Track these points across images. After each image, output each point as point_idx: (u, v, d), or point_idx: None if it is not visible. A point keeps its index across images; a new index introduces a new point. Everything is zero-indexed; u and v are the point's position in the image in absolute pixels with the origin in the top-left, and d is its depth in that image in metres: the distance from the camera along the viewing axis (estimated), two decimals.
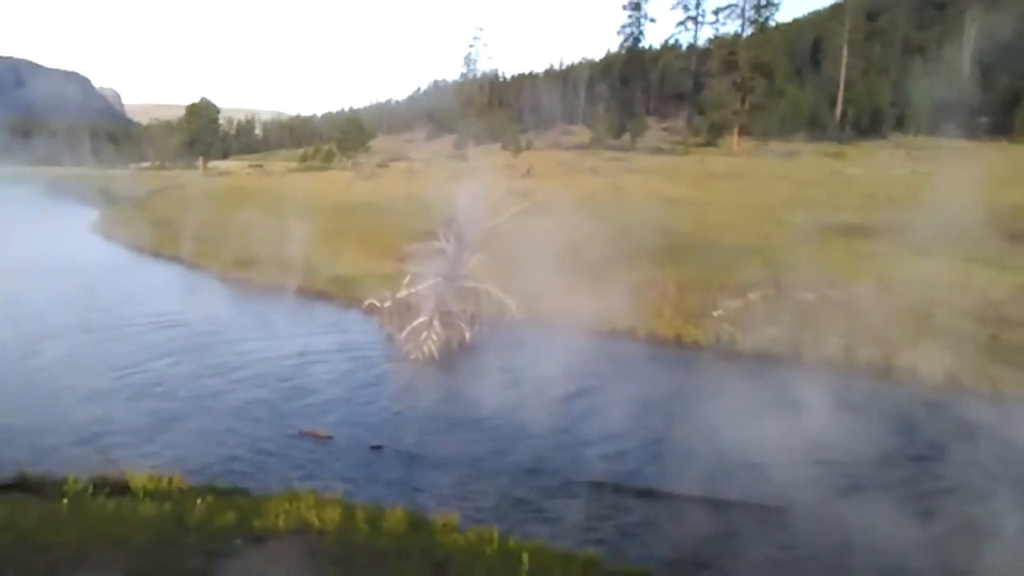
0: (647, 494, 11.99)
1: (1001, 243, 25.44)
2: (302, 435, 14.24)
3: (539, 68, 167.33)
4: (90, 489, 10.42)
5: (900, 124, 74.65)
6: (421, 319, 19.81)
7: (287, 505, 10.04)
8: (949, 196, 36.35)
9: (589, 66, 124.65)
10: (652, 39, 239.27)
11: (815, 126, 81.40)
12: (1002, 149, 67.53)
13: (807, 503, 11.37)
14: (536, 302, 21.22)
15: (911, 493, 11.90)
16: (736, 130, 75.31)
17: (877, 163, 56.97)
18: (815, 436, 13.28)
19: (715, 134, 76.47)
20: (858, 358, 18.13)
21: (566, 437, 14.28)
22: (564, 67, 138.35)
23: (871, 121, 74.62)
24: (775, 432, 12.96)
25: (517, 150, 76.27)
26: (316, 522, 9.61)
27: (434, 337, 19.42)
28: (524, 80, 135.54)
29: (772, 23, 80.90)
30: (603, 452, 13.56)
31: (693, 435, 13.63)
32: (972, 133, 73.75)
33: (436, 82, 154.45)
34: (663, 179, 49.08)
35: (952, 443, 13.26)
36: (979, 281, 22.04)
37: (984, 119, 78.25)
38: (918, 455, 13.30)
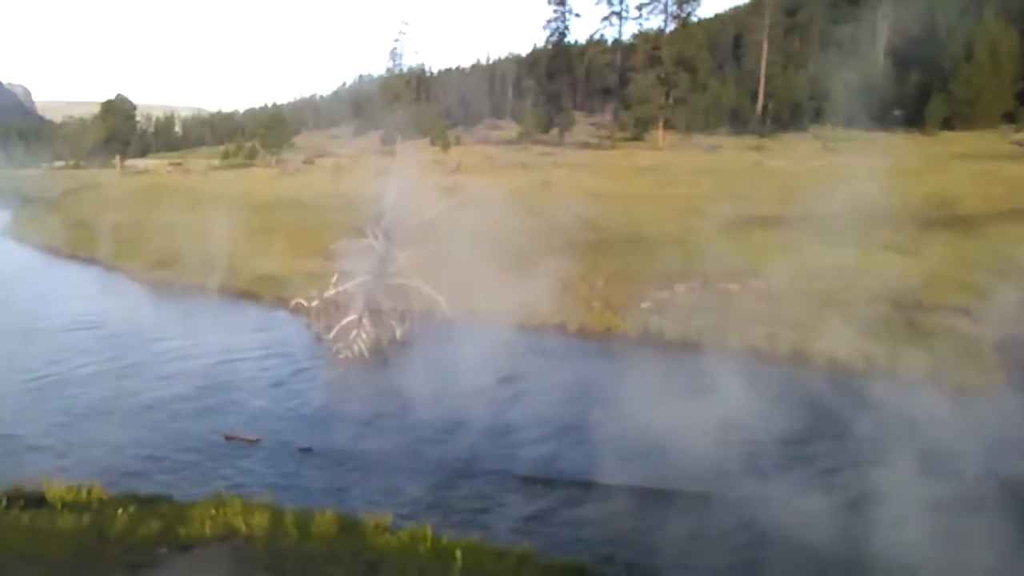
0: (579, 486, 12.08)
1: (915, 231, 26.37)
2: (227, 439, 13.91)
3: (466, 63, 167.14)
4: (3, 502, 9.99)
5: (818, 117, 76.76)
6: (350, 318, 19.56)
7: (213, 511, 9.79)
8: (865, 187, 37.51)
9: (516, 61, 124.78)
10: (577, 34, 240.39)
11: (737, 120, 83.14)
12: (915, 140, 69.99)
13: (730, 486, 11.67)
14: (467, 298, 21.16)
15: (820, 469, 12.37)
16: (661, 124, 76.40)
17: (796, 155, 58.48)
18: (738, 421, 13.66)
19: (641, 128, 77.45)
20: (780, 345, 18.58)
21: (497, 432, 14.28)
22: (491, 62, 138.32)
23: (791, 114, 76.55)
24: (700, 418, 13.21)
25: (445, 145, 75.97)
26: (244, 528, 9.40)
27: (364, 336, 19.21)
28: (451, 75, 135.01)
29: (694, 18, 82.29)
30: (534, 446, 13.61)
31: (621, 425, 13.76)
32: (886, 125, 76.28)
33: (362, 77, 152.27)
34: (591, 173, 49.47)
35: (862, 423, 13.66)
36: (894, 268, 22.79)
37: (898, 112, 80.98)
38: (830, 434, 13.73)
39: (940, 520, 10.05)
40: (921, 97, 76.11)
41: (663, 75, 75.41)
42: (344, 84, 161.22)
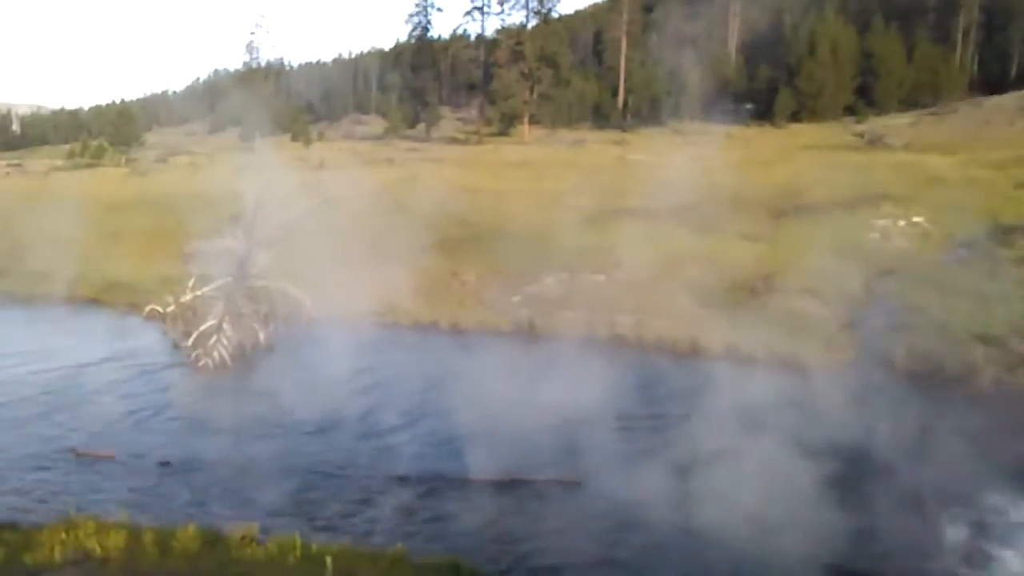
0: (448, 482, 11.99)
1: (767, 220, 27.64)
2: (78, 456, 13.02)
3: (327, 57, 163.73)
4: None
5: (676, 111, 79.47)
6: (209, 323, 18.71)
7: (64, 535, 9.13)
8: (721, 178, 39.19)
9: (379, 55, 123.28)
10: (441, 29, 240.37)
11: (600, 115, 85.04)
12: (766, 133, 73.50)
13: (592, 472, 11.91)
14: (335, 298, 20.65)
15: (667, 446, 12.79)
16: (527, 119, 77.21)
17: (657, 149, 60.26)
18: (600, 407, 14.08)
19: (507, 123, 78.02)
20: (646, 333, 19.06)
21: (365, 434, 14.02)
22: (353, 56, 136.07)
23: (650, 109, 78.92)
24: (565, 407, 13.67)
25: (308, 141, 74.14)
26: (98, 550, 8.82)
27: (224, 341, 18.40)
28: (312, 69, 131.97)
29: (555, 14, 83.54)
30: (403, 445, 13.44)
31: (488, 420, 13.74)
32: (739, 119, 79.82)
33: (217, 71, 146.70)
34: (459, 169, 49.39)
35: (712, 402, 14.10)
36: (749, 256, 23.80)
37: (749, 105, 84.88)
38: (683, 415, 14.17)
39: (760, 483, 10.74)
40: (770, 91, 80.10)
41: (527, 70, 76.20)
42: (198, 79, 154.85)
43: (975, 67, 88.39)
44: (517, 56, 75.36)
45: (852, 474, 11.62)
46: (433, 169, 48.94)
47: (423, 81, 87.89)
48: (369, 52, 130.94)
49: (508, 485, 11.77)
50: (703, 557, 9.80)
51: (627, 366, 16.81)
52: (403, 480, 12.07)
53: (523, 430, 13.21)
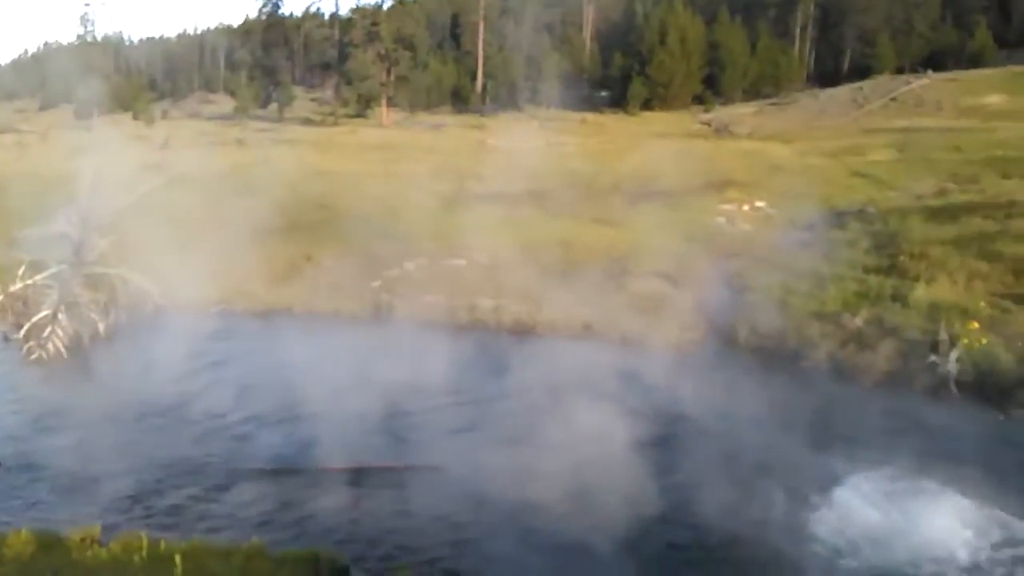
0: (301, 473, 11.70)
1: (622, 205, 28.42)
2: None
3: (171, 32, 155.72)
4: None
5: (534, 97, 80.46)
6: (43, 313, 17.42)
7: None
8: (577, 164, 40.00)
9: (227, 32, 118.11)
10: (293, 6, 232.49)
11: (459, 99, 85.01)
12: (620, 120, 75.50)
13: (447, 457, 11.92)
14: (181, 285, 19.67)
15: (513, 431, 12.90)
16: (384, 102, 76.15)
17: (515, 134, 60.84)
18: (456, 391, 14.39)
19: (364, 105, 76.69)
20: (505, 317, 19.21)
21: (212, 425, 13.44)
22: (199, 32, 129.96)
23: (509, 94, 79.56)
24: (418, 391, 13.92)
25: (150, 120, 70.41)
26: None
27: (60, 332, 17.18)
28: (155, 45, 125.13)
29: None
30: (254, 435, 13.03)
31: (342, 406, 13.50)
32: (595, 106, 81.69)
33: (48, 44, 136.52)
34: (314, 151, 48.17)
35: (563, 383, 14.37)
36: (605, 240, 24.41)
37: (604, 93, 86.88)
38: (536, 394, 14.23)
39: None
40: (624, 79, 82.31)
41: (383, 52, 75.07)
42: (27, 52, 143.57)
43: (812, 61, 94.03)
44: (373, 37, 74.07)
45: (682, 444, 12.33)
46: (286, 151, 47.52)
47: (275, 60, 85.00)
48: (216, 28, 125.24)
49: (362, 472, 11.59)
50: (535, 530, 10.10)
51: (483, 349, 16.94)
52: (254, 472, 11.67)
53: (375, 416, 13.14)
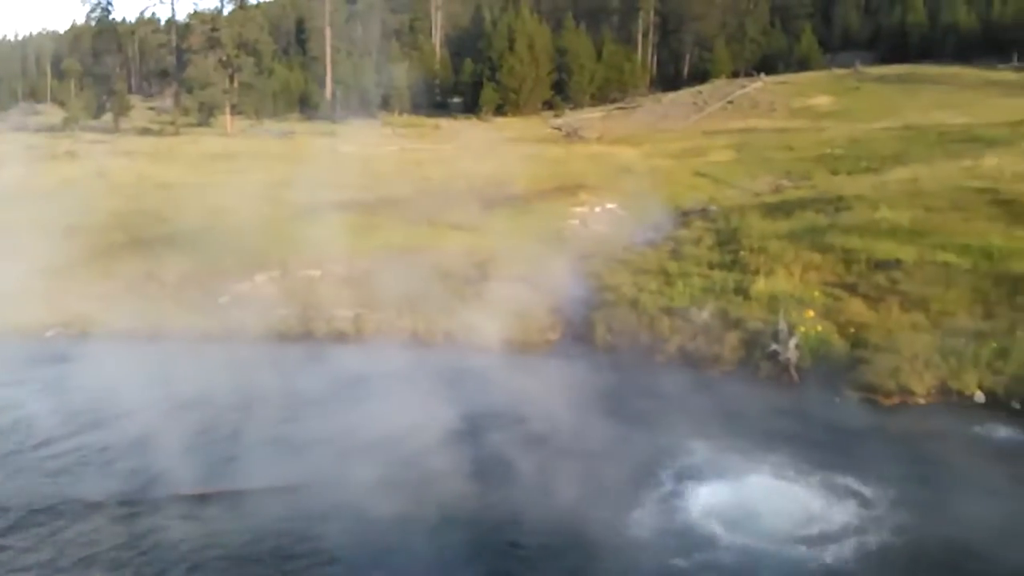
0: (141, 502, 10.98)
1: (477, 210, 28.47)
2: None
3: None
4: None
5: (386, 104, 79.74)
6: None
7: None
8: (433, 170, 39.90)
9: (53, 38, 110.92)
10: (125, 11, 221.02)
11: (308, 106, 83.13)
12: (473, 125, 75.93)
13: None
14: (8, 310, 18.22)
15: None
16: (228, 109, 73.44)
17: (368, 141, 60.02)
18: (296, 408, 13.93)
19: (206, 114, 73.66)
20: (366, 327, 18.84)
21: (44, 457, 12.40)
22: (20, 38, 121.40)
23: (360, 101, 78.43)
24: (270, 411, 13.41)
25: None
26: None
27: None
28: None
29: (252, 1, 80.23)
30: (92, 465, 12.12)
31: (192, 428, 12.98)
32: (447, 112, 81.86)
33: None
34: (154, 162, 45.87)
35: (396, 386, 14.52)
36: (462, 245, 24.37)
37: (456, 99, 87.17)
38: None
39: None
40: (475, 85, 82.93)
41: (225, 58, 72.40)
42: None
43: (654, 66, 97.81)
44: (213, 43, 71.31)
45: (530, 440, 12.33)
46: (124, 162, 45.04)
47: (107, 67, 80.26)
48: (41, 34, 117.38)
49: (212, 497, 11.01)
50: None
51: (339, 361, 16.46)
52: (91, 505, 10.84)
53: (218, 437, 12.71)
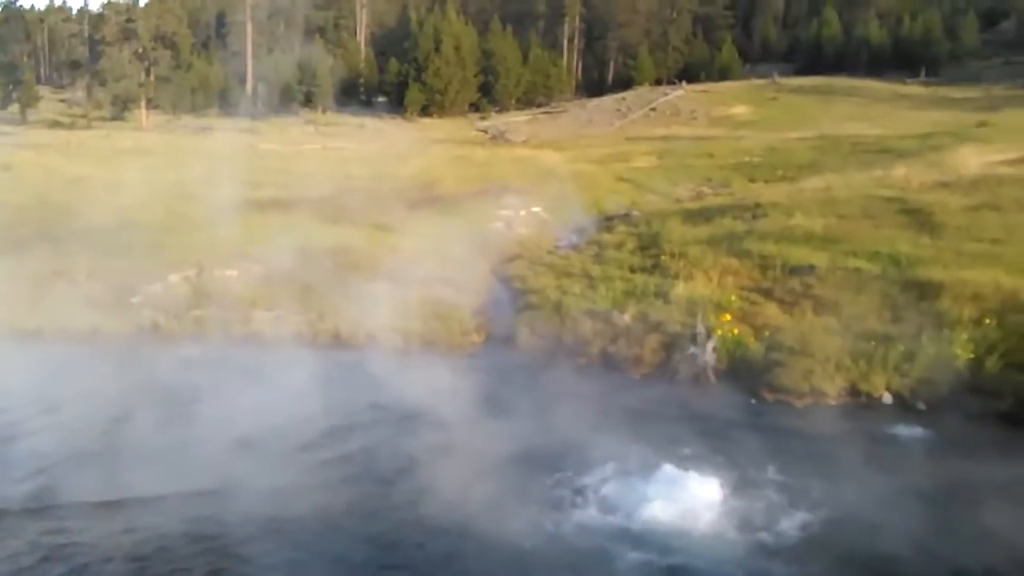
0: (68, 508, 10.54)
1: (402, 210, 28.25)
2: None
3: None
4: None
5: (309, 101, 78.51)
6: None
7: None
8: (357, 169, 39.44)
9: None
10: None
11: (227, 102, 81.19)
12: (398, 126, 75.44)
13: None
14: None
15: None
16: (144, 103, 71.27)
17: (290, 138, 59.05)
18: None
19: (120, 107, 71.34)
20: (286, 329, 18.45)
21: None
22: None
23: (281, 98, 77.06)
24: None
25: None
26: None
27: None
28: None
29: None
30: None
31: (115, 433, 12.47)
32: (372, 111, 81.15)
33: None
34: (63, 156, 44.18)
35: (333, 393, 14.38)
36: (386, 246, 24.13)
37: (382, 98, 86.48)
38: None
39: None
40: (400, 85, 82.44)
41: (140, 50, 70.23)
42: None
43: (579, 71, 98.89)
44: (129, 34, 69.17)
45: (427, 443, 12.16)
46: (31, 156, 43.26)
47: (14, 56, 77.05)
48: None
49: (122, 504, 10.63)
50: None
51: (255, 364, 16.01)
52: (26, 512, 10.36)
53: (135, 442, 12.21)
